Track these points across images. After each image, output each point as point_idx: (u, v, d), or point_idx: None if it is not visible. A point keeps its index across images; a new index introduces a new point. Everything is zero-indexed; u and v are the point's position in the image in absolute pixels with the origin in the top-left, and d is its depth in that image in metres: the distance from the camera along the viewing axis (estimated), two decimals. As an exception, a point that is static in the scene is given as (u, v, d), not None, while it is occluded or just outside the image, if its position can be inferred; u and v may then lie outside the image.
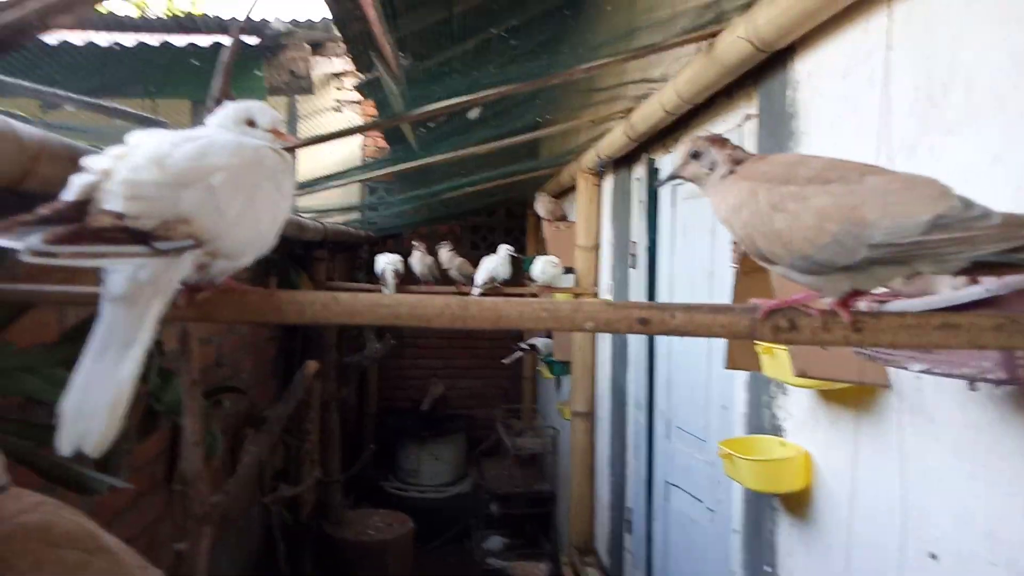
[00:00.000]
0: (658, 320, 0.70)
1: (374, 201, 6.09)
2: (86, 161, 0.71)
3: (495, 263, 4.12)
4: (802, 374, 1.39)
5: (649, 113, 2.65)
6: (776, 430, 1.92)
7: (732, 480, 2.28)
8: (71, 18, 0.80)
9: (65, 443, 0.66)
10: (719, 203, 0.87)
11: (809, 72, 1.77)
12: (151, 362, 1.80)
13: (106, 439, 0.66)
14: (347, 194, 5.83)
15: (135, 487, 2.23)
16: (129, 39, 3.93)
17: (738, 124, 2.27)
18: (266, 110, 0.83)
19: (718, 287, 2.41)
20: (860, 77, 1.54)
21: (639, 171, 3.35)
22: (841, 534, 1.62)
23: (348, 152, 6.42)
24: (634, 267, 3.43)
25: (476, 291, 4.16)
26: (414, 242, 4.60)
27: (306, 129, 4.98)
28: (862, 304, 0.82)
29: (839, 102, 1.64)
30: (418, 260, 4.43)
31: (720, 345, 2.47)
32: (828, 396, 1.65)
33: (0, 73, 1.68)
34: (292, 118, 4.83)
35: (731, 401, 2.30)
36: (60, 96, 1.64)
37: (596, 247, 4.12)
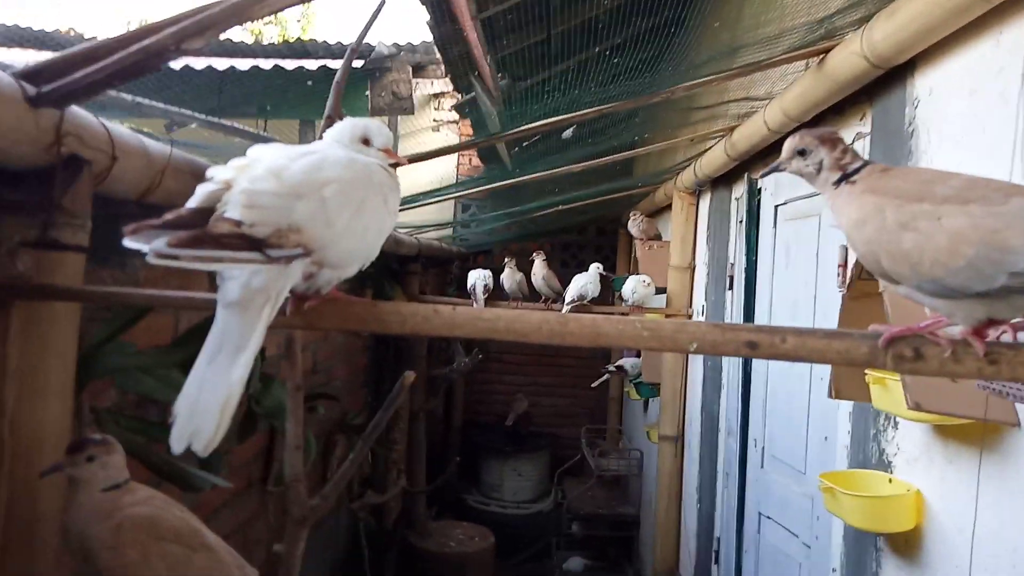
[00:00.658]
0: (767, 344, 0.67)
1: (466, 218, 6.19)
2: (210, 171, 0.75)
3: (585, 280, 4.09)
4: (917, 407, 1.30)
5: (752, 131, 2.58)
6: (884, 465, 1.80)
7: (833, 516, 2.17)
8: (202, 41, 0.84)
9: (177, 440, 0.69)
10: (839, 214, 0.83)
11: (931, 88, 1.67)
12: (253, 367, 1.87)
13: (215, 439, 0.69)
14: (441, 211, 5.95)
15: (233, 486, 2.33)
16: (244, 63, 4.17)
17: (849, 143, 2.17)
18: (381, 129, 0.85)
19: (822, 312, 2.30)
20: (990, 94, 1.44)
21: (738, 190, 3.25)
22: (957, 583, 1.49)
23: (444, 170, 6.55)
24: (731, 289, 3.33)
25: (566, 308, 4.15)
26: (506, 259, 4.64)
27: (406, 147, 5.12)
28: (998, 334, 0.76)
29: (965, 120, 1.53)
30: (508, 276, 4.46)
31: (823, 372, 2.35)
32: (946, 432, 1.54)
33: (132, 94, 1.82)
34: (394, 137, 4.98)
35: (834, 432, 2.18)
36: (184, 115, 1.75)
37: (691, 268, 4.03)
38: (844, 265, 2.15)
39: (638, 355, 4.62)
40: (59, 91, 0.89)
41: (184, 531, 0.92)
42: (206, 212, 0.73)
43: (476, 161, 6.49)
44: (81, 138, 0.98)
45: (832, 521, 2.15)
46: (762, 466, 2.75)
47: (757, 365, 2.84)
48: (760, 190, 2.84)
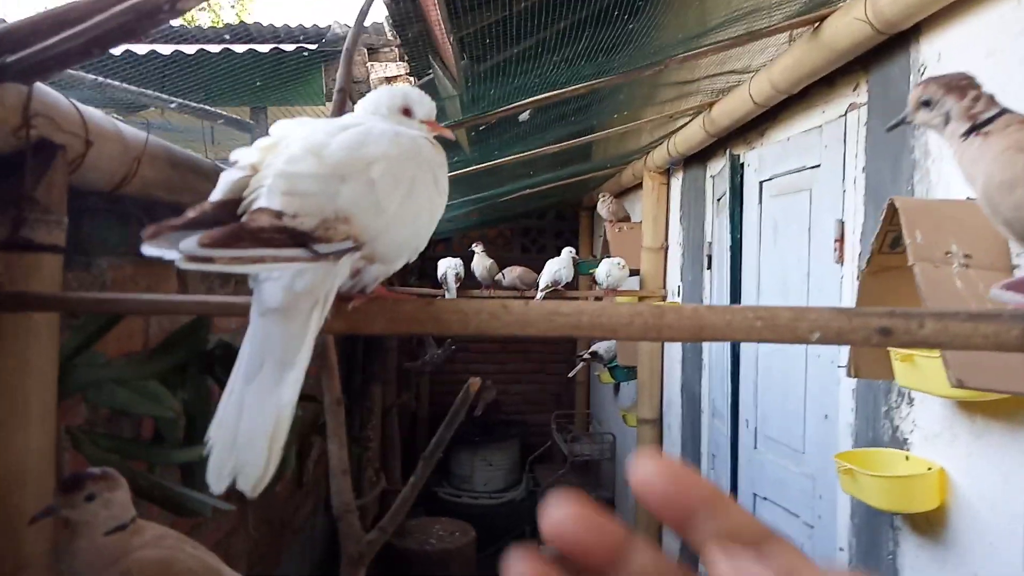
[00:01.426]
0: (903, 330, 0.58)
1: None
2: (235, 154, 0.62)
3: (558, 266, 4.01)
4: (960, 384, 1.24)
5: (734, 106, 2.52)
6: (898, 443, 1.77)
7: (837, 495, 2.14)
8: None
9: (216, 478, 0.57)
10: (972, 170, 0.74)
11: (940, 53, 1.62)
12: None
13: (266, 475, 0.57)
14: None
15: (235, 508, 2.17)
16: (190, 48, 3.92)
17: (840, 114, 2.12)
18: (424, 98, 0.73)
19: (816, 288, 2.26)
20: (1012, 56, 1.39)
21: (715, 167, 3.20)
22: (987, 561, 1.46)
23: (400, 156, 6.36)
24: (709, 268, 3.29)
25: (539, 294, 4.06)
26: (474, 245, 4.51)
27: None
28: None
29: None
30: (479, 263, 4.34)
31: (820, 349, 2.32)
32: (971, 408, 1.50)
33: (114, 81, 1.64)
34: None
35: (834, 410, 2.14)
36: (160, 99, 1.59)
37: (663, 248, 3.98)
38: (841, 240, 2.11)
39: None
40: (25, 62, 0.74)
41: (200, 573, 0.80)
42: (233, 205, 0.60)
43: (433, 147, 6.33)
44: (53, 119, 0.83)
45: (837, 500, 2.12)
46: (755, 447, 2.71)
47: (746, 344, 2.80)
48: (743, 166, 2.79)
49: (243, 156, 0.62)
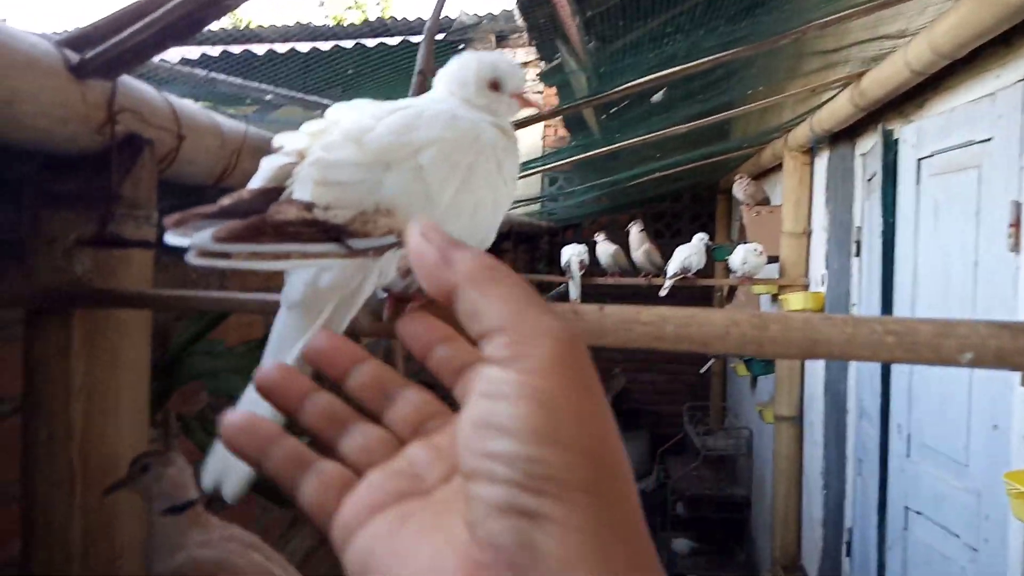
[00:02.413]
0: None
1: (554, 191, 5.96)
2: (278, 139, 0.57)
3: (689, 252, 3.82)
4: None
5: (889, 75, 2.24)
6: (1087, 464, 1.50)
7: (1009, 515, 1.86)
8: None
9: (208, 476, 0.52)
10: None
11: None
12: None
13: (246, 483, 0.52)
14: (528, 185, 5.75)
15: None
16: (326, 45, 4.08)
17: (1018, 79, 1.82)
18: (516, 69, 0.64)
19: (985, 279, 1.97)
20: None
21: (866, 145, 2.90)
22: None
23: (530, 143, 6.34)
24: (858, 255, 2.99)
25: (668, 282, 3.89)
26: (597, 233, 4.39)
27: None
28: None
29: None
30: (603, 250, 4.22)
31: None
32: None
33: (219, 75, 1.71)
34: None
35: (1006, 420, 1.87)
36: (265, 91, 1.63)
37: (806, 233, 3.69)
38: (1017, 225, 1.82)
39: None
40: (104, 56, 0.74)
41: (254, 580, 0.77)
42: (274, 193, 0.56)
43: (562, 131, 6.24)
44: (140, 114, 0.84)
45: (1008, 522, 1.85)
46: (908, 455, 2.43)
47: (898, 341, 2.52)
48: (896, 142, 2.49)
49: (289, 141, 0.58)
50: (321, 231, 0.51)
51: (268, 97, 1.55)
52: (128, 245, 0.83)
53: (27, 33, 0.72)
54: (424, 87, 0.82)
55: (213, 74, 1.42)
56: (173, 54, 1.43)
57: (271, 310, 1.02)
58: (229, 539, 0.78)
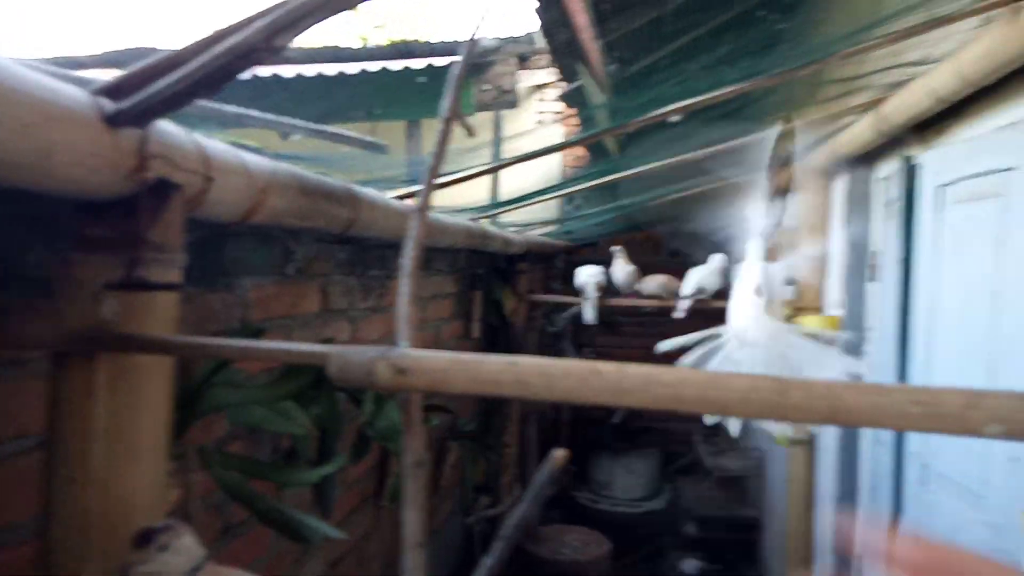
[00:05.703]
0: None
1: (571, 211, 5.97)
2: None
3: (703, 274, 3.81)
4: None
5: (912, 101, 2.24)
6: (1110, 505, 1.48)
7: (1027, 554, 1.83)
8: (294, 34, 0.68)
9: None
10: None
11: None
12: (367, 391, 1.76)
13: None
14: (547, 209, 5.76)
15: (348, 504, 2.24)
16: (352, 68, 4.13)
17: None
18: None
19: (1005, 309, 1.95)
20: None
21: (884, 170, 2.89)
22: None
23: (549, 162, 6.36)
24: (872, 280, 2.97)
25: (683, 303, 3.88)
26: (614, 247, 4.38)
27: (511, 148, 4.95)
28: None
29: None
30: (620, 269, 4.22)
31: (1013, 374, 2.00)
32: None
33: (238, 106, 1.73)
34: (498, 139, 4.84)
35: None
36: (288, 125, 1.65)
37: (823, 257, 3.67)
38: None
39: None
40: (139, 106, 0.76)
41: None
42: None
43: (581, 151, 6.26)
44: (170, 159, 0.85)
45: (1027, 560, 1.82)
46: (923, 483, 2.40)
47: (913, 363, 2.49)
48: (915, 168, 2.48)
49: None
50: None
51: (297, 137, 1.57)
52: (154, 288, 0.85)
53: (65, 84, 0.74)
54: (447, 135, 0.84)
55: (242, 110, 1.44)
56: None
57: (297, 361, 1.03)
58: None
